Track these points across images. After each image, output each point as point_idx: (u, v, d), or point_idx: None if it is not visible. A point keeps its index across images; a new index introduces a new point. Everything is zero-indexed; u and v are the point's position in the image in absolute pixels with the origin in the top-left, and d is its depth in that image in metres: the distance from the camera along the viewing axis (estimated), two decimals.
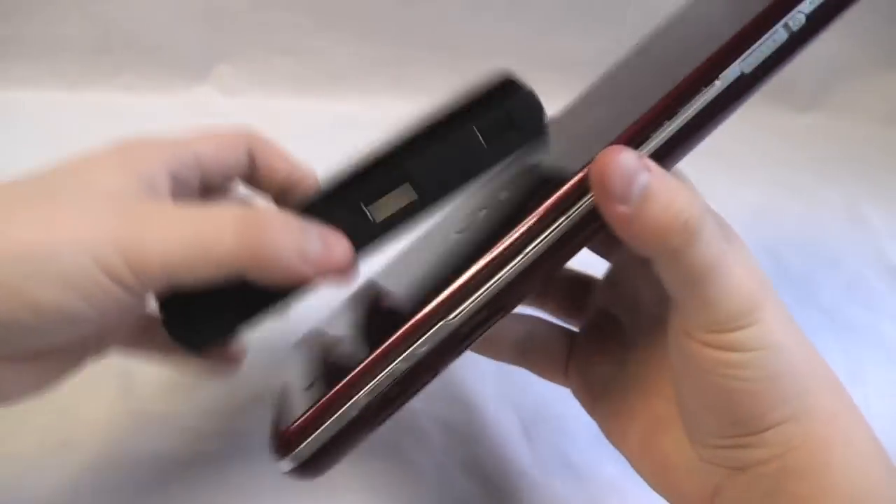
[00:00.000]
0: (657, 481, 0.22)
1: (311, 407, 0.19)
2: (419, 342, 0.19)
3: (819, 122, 0.59)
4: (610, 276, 0.26)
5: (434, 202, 0.21)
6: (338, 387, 0.19)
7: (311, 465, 0.19)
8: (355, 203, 0.21)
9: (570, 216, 0.19)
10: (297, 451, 0.19)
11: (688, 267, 0.18)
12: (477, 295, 0.19)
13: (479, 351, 0.25)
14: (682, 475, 0.21)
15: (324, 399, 0.19)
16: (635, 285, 0.24)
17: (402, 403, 0.19)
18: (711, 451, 0.20)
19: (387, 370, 0.19)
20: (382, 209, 0.21)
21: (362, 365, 0.19)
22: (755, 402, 0.19)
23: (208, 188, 0.23)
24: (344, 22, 0.52)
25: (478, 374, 0.35)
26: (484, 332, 0.19)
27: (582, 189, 0.18)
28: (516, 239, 0.19)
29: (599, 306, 0.26)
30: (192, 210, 0.19)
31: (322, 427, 0.19)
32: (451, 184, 0.21)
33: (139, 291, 0.18)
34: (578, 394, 0.26)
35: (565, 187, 0.18)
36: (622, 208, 0.17)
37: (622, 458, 0.24)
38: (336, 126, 0.50)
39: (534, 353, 0.26)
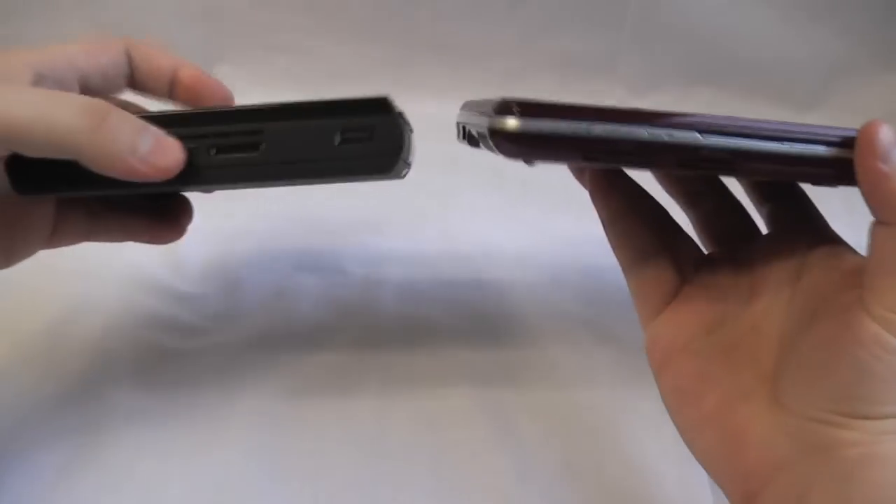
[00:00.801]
0: (721, 449, 0.23)
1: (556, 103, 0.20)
2: (674, 125, 0.20)
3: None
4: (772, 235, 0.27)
5: (272, 174, 0.22)
6: (589, 104, 0.20)
7: (525, 139, 0.20)
8: (204, 136, 0.22)
9: (825, 150, 0.21)
10: (524, 118, 0.19)
11: None
12: (733, 139, 0.21)
13: (618, 239, 0.27)
14: (752, 445, 0.22)
15: (571, 104, 0.20)
16: (798, 251, 0.25)
17: (610, 161, 0.21)
18: (801, 423, 0.21)
19: (632, 127, 0.20)
20: (224, 153, 0.22)
21: (622, 108, 0.20)
22: (884, 390, 0.20)
23: (89, 91, 0.25)
24: (344, 22, 0.52)
25: None
26: (707, 169, 0.21)
27: (846, 141, 0.21)
28: (782, 132, 0.21)
29: (735, 259, 0.26)
30: (44, 90, 0.21)
31: (555, 118, 0.20)
32: (296, 168, 0.22)
33: None
34: (658, 345, 0.26)
35: (839, 129, 0.22)
36: (882, 166, 0.20)
37: None
38: None
39: (645, 274, 0.27)
